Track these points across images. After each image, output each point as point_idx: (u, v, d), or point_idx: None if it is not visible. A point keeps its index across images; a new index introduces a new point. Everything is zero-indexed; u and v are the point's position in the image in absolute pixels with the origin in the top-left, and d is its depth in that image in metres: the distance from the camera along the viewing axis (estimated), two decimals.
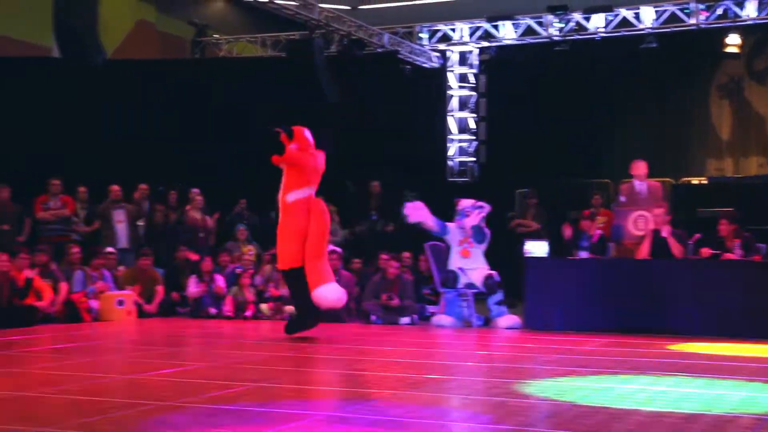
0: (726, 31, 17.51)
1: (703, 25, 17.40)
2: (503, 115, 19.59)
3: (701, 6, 17.24)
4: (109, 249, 13.21)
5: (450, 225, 11.88)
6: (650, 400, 6.05)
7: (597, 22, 18.03)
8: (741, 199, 14.43)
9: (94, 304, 12.22)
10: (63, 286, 12.12)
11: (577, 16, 18.07)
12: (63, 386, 6.49)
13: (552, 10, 17.99)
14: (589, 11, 17.89)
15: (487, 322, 11.69)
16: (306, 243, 9.80)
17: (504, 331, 11.19)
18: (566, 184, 16.92)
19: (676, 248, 10.96)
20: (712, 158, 18.99)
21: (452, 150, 20.12)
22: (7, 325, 10.70)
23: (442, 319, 11.76)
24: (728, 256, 10.76)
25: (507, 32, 18.93)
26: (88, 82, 16.23)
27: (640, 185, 12.01)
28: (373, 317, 12.17)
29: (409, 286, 12.35)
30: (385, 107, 18.34)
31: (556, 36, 18.34)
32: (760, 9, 16.97)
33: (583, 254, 11.44)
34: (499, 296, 11.62)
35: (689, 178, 17.89)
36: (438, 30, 19.69)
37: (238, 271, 13.08)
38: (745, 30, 17.54)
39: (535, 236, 12.89)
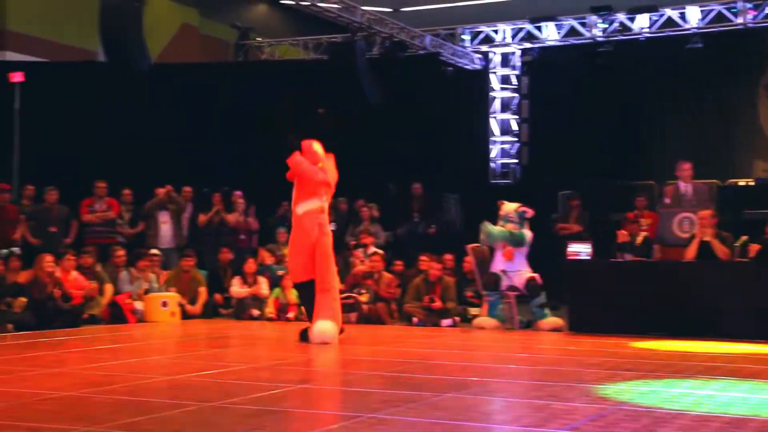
0: None
1: (750, 24, 17.16)
2: (545, 117, 19.48)
3: (749, 5, 17.00)
4: (154, 251, 13.35)
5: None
6: (696, 404, 5.96)
7: (641, 23, 17.86)
8: None
9: (138, 305, 12.36)
10: (108, 288, 12.27)
11: (621, 17, 17.92)
12: (108, 386, 6.55)
13: (596, 10, 17.86)
14: (633, 11, 17.73)
15: (530, 324, 11.64)
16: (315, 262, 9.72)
17: (547, 334, 11.13)
18: (609, 185, 16.75)
19: (721, 251, 10.83)
20: (759, 159, 18.67)
21: (494, 152, 20.05)
22: (53, 326, 10.87)
23: (485, 321, 11.72)
24: None
25: (550, 33, 18.83)
26: (133, 86, 16.42)
27: (684, 186, 11.88)
28: (414, 319, 12.16)
29: (451, 288, 12.33)
30: (427, 109, 18.32)
31: (600, 37, 18.20)
32: None
33: (628, 256, 11.34)
34: (541, 299, 11.56)
35: (736, 180, 17.60)
36: (480, 31, 19.63)
37: (280, 273, 13.15)
38: None
39: (578, 238, 12.81)
